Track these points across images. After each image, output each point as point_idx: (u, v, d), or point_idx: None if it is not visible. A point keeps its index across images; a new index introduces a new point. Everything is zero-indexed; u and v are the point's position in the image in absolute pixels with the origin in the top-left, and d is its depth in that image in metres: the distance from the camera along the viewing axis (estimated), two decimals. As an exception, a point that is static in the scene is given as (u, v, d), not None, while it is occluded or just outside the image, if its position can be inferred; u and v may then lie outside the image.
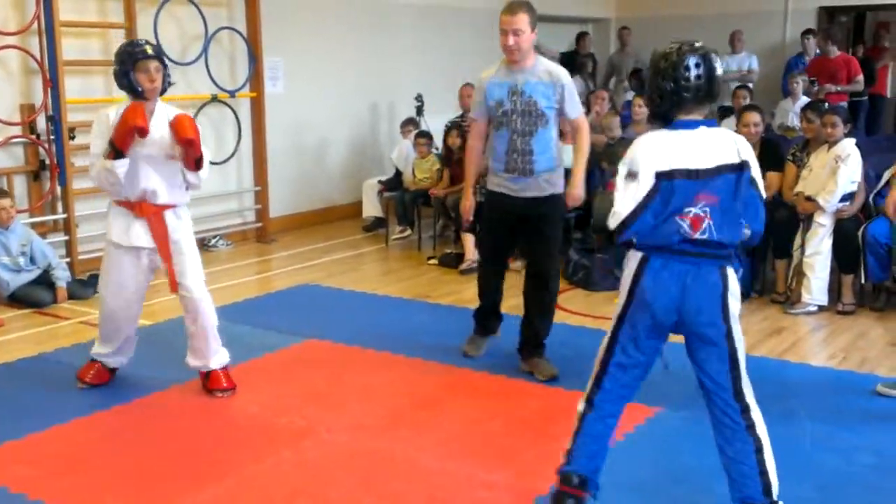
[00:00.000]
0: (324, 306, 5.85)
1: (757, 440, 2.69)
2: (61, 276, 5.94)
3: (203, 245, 7.18)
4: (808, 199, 5.55)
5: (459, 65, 9.42)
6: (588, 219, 6.58)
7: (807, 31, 10.26)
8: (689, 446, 3.53)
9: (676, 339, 2.85)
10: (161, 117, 3.97)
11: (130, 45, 4.04)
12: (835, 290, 5.62)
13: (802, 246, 5.56)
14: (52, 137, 6.40)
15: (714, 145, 2.67)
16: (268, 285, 6.57)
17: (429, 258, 7.14)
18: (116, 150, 3.86)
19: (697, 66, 2.66)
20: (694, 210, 2.61)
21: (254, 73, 7.79)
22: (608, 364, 2.81)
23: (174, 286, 4.11)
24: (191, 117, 3.99)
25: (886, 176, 5.56)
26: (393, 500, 3.21)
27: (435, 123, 8.40)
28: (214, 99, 7.53)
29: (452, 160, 7.45)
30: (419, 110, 8.73)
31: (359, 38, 8.95)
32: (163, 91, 4.01)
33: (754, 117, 5.98)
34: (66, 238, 6.54)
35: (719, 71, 2.71)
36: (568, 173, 4.46)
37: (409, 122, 8.48)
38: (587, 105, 7.70)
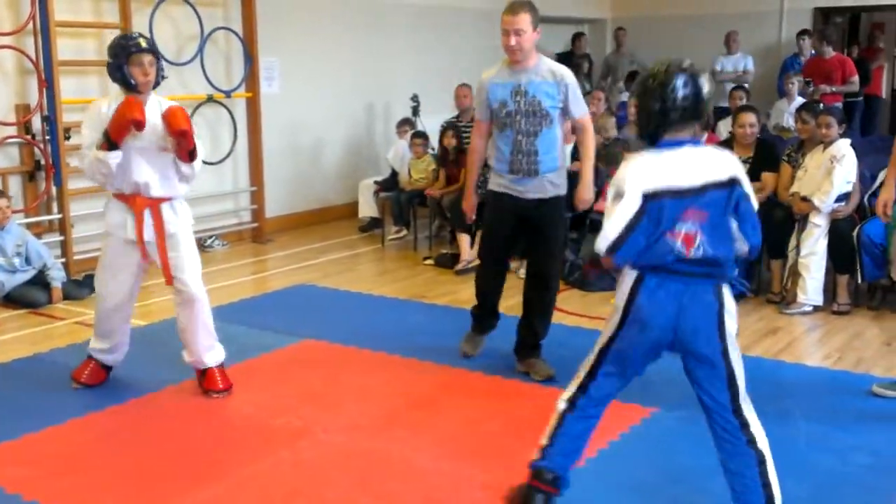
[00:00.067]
0: (320, 306, 5.85)
1: (759, 454, 2.70)
2: (56, 276, 5.93)
3: (199, 245, 7.15)
4: (804, 199, 5.56)
5: (455, 65, 9.45)
6: (585, 218, 6.58)
7: (802, 32, 10.27)
8: (684, 446, 3.54)
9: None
10: (154, 109, 3.95)
11: (124, 38, 4.02)
12: (830, 291, 5.64)
13: (798, 246, 5.58)
14: (47, 138, 6.39)
15: (700, 163, 2.67)
16: (264, 285, 6.57)
17: (425, 258, 7.14)
18: (111, 141, 3.85)
19: (685, 85, 2.66)
20: (685, 227, 2.60)
21: (250, 74, 7.78)
22: (596, 374, 2.80)
23: (169, 279, 4.09)
24: (183, 109, 3.98)
25: (881, 176, 5.57)
26: (389, 500, 3.21)
27: (431, 124, 8.40)
28: (210, 99, 7.53)
29: (448, 160, 7.46)
30: (415, 111, 8.73)
31: (354, 38, 8.95)
32: (156, 84, 4.00)
33: (750, 118, 6.00)
34: (62, 238, 6.53)
35: (706, 91, 2.71)
36: (569, 174, 4.46)
37: (405, 123, 8.48)
38: (583, 105, 7.71)
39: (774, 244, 5.78)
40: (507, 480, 3.29)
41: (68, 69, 6.52)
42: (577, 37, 11.59)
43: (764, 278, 6.02)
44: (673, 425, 3.76)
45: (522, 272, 4.60)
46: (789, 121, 8.17)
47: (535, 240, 4.38)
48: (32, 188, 6.53)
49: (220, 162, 7.63)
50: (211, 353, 4.21)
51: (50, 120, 6.34)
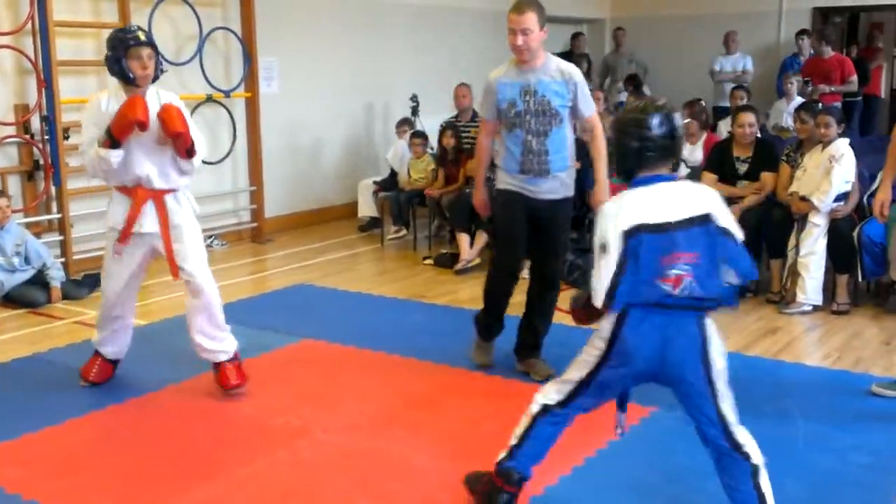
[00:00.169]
0: (319, 306, 5.85)
1: (752, 467, 2.73)
2: (56, 275, 5.93)
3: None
4: (803, 199, 5.56)
5: (454, 65, 9.46)
6: (584, 218, 6.58)
7: (801, 32, 10.28)
8: (683, 446, 3.52)
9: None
10: (152, 103, 3.92)
11: (122, 31, 3.98)
12: (829, 290, 5.64)
13: (797, 246, 5.58)
14: (46, 137, 6.39)
15: (676, 198, 2.69)
16: (263, 285, 6.57)
17: (424, 258, 7.14)
18: (113, 140, 3.84)
19: (661, 125, 2.70)
20: (675, 271, 2.60)
21: (249, 73, 7.78)
22: (575, 397, 2.83)
23: (175, 271, 4.06)
24: (178, 108, 3.92)
25: (880, 176, 5.57)
26: (388, 500, 3.21)
27: (430, 124, 8.40)
28: (209, 99, 7.53)
29: (447, 160, 7.46)
30: (414, 110, 8.73)
31: (354, 38, 8.95)
32: (155, 79, 3.98)
33: (749, 118, 6.00)
34: (61, 238, 6.53)
35: (681, 128, 2.77)
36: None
37: (405, 123, 8.48)
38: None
39: (774, 244, 5.79)
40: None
41: (67, 69, 6.52)
42: (575, 36, 11.59)
43: (763, 278, 6.01)
44: (672, 425, 3.76)
45: (525, 272, 4.58)
46: (788, 120, 8.18)
47: (542, 240, 4.33)
48: (31, 188, 6.53)
49: (219, 162, 7.63)
50: (222, 345, 4.16)
51: (49, 120, 6.34)
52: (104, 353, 4.31)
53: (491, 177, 4.57)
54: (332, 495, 3.24)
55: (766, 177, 5.92)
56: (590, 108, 4.28)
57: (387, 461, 3.51)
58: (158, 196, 4.01)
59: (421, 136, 7.91)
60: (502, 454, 2.96)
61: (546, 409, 2.87)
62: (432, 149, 7.95)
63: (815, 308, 5.55)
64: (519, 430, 2.93)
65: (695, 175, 6.30)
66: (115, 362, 4.35)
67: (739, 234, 2.71)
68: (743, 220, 5.77)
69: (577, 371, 2.81)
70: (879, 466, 3.45)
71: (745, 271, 2.71)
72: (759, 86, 10.34)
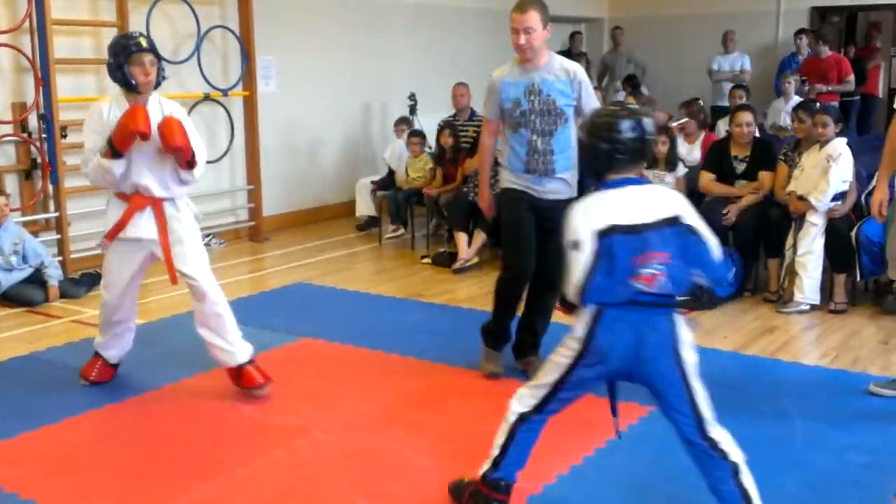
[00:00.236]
0: (317, 305, 5.85)
1: (732, 465, 2.76)
2: (53, 274, 5.92)
3: (196, 244, 7.17)
4: (800, 198, 5.57)
5: (453, 64, 9.46)
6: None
7: (799, 31, 10.29)
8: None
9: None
10: (154, 111, 3.92)
11: (125, 37, 3.98)
12: (827, 290, 5.65)
13: (794, 245, 5.59)
14: (43, 136, 6.38)
15: (646, 200, 2.73)
16: (261, 284, 6.56)
17: (422, 257, 7.14)
18: (115, 150, 3.83)
19: (633, 129, 2.75)
20: (648, 271, 2.65)
21: (246, 72, 7.78)
22: (551, 400, 2.86)
23: (173, 276, 4.04)
24: (179, 121, 3.90)
25: (877, 176, 5.57)
26: (387, 499, 3.21)
27: (428, 123, 8.40)
28: (207, 98, 7.52)
29: (445, 159, 7.46)
30: (412, 109, 8.73)
31: (352, 37, 8.94)
32: (157, 85, 3.97)
33: (747, 117, 6.01)
34: (58, 237, 6.52)
35: (651, 133, 2.82)
36: None
37: (403, 122, 8.48)
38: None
39: (771, 243, 5.80)
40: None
41: (65, 67, 6.51)
42: (573, 35, 11.59)
43: (761, 277, 6.03)
44: (671, 425, 3.76)
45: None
46: (786, 120, 8.18)
47: (545, 240, 4.30)
48: (29, 186, 6.53)
49: (217, 160, 7.62)
50: (237, 348, 4.12)
51: (46, 118, 6.33)
52: (106, 356, 4.31)
53: (493, 176, 4.56)
54: (331, 495, 3.24)
55: (764, 176, 5.93)
56: (593, 106, 4.26)
57: (386, 461, 3.50)
58: (157, 203, 4.01)
59: (419, 135, 7.91)
60: (486, 466, 2.98)
61: (523, 417, 2.91)
62: (430, 148, 7.95)
63: (813, 307, 5.56)
64: (499, 441, 2.96)
65: (693, 174, 6.30)
66: (115, 366, 4.35)
67: (710, 238, 2.75)
68: (741, 220, 5.80)
69: (550, 374, 2.85)
70: (877, 465, 3.45)
71: (715, 275, 2.75)
72: (757, 85, 10.34)
